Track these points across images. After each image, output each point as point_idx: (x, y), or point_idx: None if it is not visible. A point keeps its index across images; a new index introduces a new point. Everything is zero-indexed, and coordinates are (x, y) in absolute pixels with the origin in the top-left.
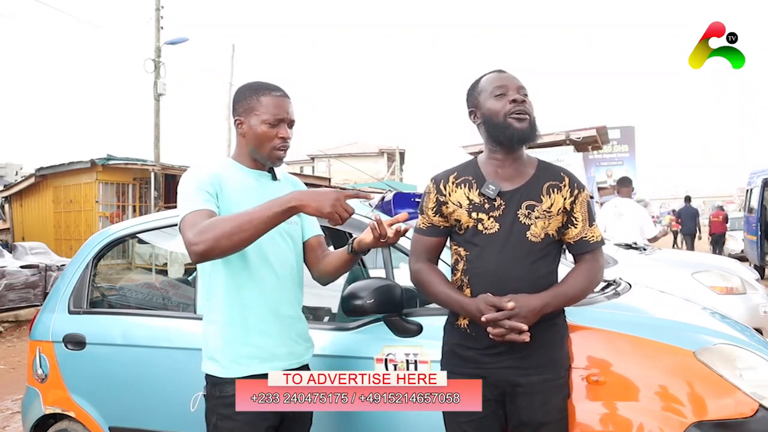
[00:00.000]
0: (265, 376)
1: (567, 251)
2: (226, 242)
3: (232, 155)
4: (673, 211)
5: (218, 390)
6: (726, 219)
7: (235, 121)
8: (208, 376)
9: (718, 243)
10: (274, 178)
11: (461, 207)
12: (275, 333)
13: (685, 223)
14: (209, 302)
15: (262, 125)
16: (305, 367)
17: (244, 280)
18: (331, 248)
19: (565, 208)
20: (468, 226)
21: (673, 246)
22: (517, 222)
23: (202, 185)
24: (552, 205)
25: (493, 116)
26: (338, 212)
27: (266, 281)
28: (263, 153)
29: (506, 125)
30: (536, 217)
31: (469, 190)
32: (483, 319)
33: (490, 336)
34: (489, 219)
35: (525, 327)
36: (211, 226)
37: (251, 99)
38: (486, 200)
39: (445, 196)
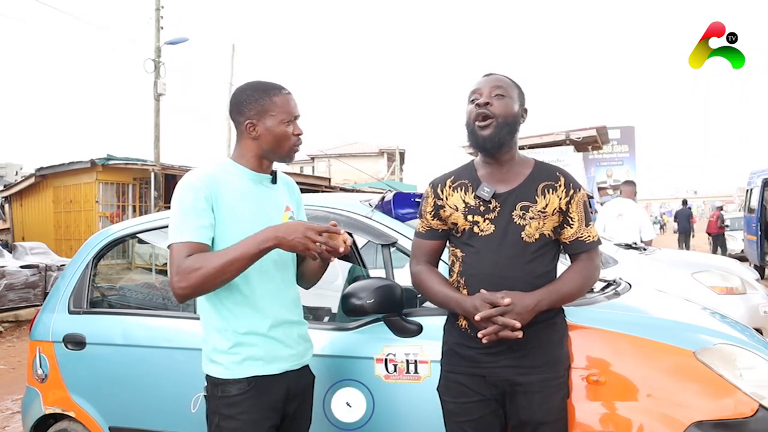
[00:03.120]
0: (268, 377)
1: (563, 251)
2: (209, 284)
3: (233, 156)
4: (677, 212)
5: (220, 390)
6: (720, 219)
7: (246, 124)
8: (209, 377)
9: (717, 242)
10: (274, 181)
11: (457, 210)
12: (277, 336)
13: (681, 223)
14: (211, 306)
15: (280, 125)
16: (306, 368)
17: (245, 286)
18: None
19: (560, 208)
20: (464, 228)
21: (679, 247)
22: (512, 223)
23: (197, 201)
24: (547, 205)
25: (466, 121)
26: (308, 246)
27: (267, 286)
28: (282, 152)
29: (472, 131)
30: (531, 218)
31: (465, 194)
32: (477, 317)
33: (481, 337)
34: (484, 221)
35: (518, 324)
36: (193, 267)
37: (263, 100)
38: (481, 203)
39: (442, 200)
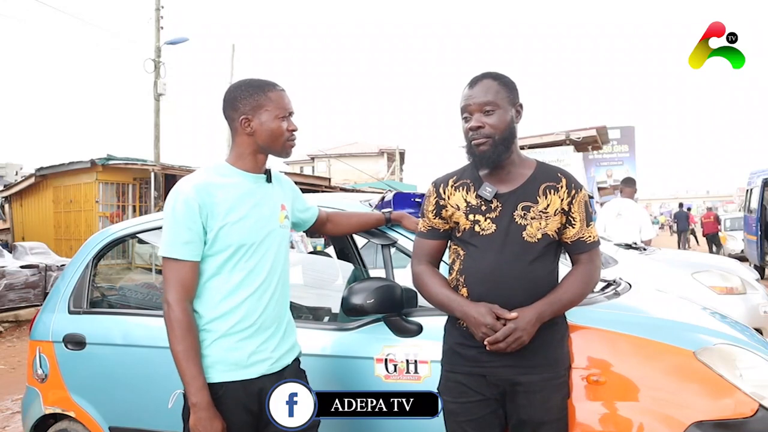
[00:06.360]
0: (240, 381)
1: (564, 251)
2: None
3: (229, 159)
4: (675, 214)
5: None
6: (717, 219)
7: (241, 120)
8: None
9: (713, 242)
10: (269, 180)
11: (459, 209)
12: (255, 339)
13: (680, 223)
14: (197, 311)
15: (275, 120)
16: (286, 370)
17: (223, 289)
18: (331, 249)
19: (563, 208)
20: (465, 228)
21: (678, 246)
22: (513, 223)
23: (188, 212)
24: (548, 205)
25: (464, 135)
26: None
27: (248, 288)
28: (277, 147)
29: (470, 148)
30: (532, 218)
31: (467, 193)
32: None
33: (487, 347)
34: (486, 220)
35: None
36: (170, 327)
37: (258, 96)
38: (483, 202)
39: (444, 199)
